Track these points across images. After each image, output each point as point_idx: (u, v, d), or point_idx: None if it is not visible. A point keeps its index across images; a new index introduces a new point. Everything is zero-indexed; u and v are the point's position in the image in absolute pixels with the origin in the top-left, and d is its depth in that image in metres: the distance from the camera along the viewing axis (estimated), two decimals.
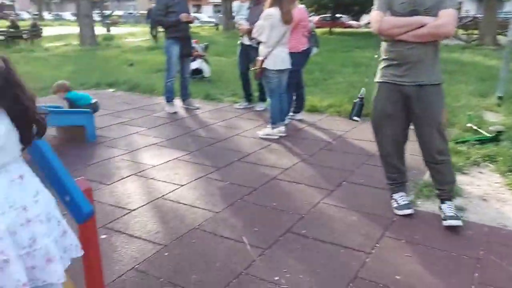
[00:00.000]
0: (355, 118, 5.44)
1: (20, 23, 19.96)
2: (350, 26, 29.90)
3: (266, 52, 4.53)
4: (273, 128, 4.83)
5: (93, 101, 5.02)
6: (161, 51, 12.80)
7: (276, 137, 4.79)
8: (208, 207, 3.12)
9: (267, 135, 4.83)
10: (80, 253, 1.63)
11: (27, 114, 1.40)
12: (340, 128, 5.26)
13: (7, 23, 21.98)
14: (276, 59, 4.56)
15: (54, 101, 5.04)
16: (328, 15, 27.01)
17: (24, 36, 16.92)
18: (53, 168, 1.79)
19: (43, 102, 5.03)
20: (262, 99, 6.11)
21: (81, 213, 1.76)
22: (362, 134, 4.89)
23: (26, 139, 1.45)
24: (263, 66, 4.56)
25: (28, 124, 1.43)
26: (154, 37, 17.21)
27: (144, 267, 2.39)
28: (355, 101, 5.54)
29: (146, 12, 20.58)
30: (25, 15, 40.83)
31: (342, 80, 8.38)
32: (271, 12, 4.45)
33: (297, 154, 4.31)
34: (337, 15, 27.51)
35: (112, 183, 3.53)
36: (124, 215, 2.99)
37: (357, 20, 30.02)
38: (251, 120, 5.68)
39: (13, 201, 1.40)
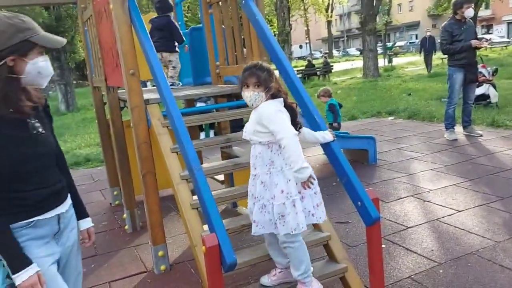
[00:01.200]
0: None
1: (314, 62, 23.25)
2: None
3: None
4: None
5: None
6: (440, 78, 12.56)
7: None
8: (488, 235, 3.06)
9: None
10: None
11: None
12: None
13: (304, 62, 26.02)
14: None
15: (343, 128, 5.88)
16: None
17: (318, 73, 19.70)
18: (348, 176, 2.30)
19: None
20: None
21: (370, 217, 2.20)
22: None
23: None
24: None
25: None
26: (427, 67, 16.93)
27: (419, 278, 2.62)
28: None
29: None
30: (317, 54, 47.07)
31: None
32: None
33: None
34: None
35: (390, 202, 3.89)
36: (401, 230, 3.29)
37: None
38: None
39: None
